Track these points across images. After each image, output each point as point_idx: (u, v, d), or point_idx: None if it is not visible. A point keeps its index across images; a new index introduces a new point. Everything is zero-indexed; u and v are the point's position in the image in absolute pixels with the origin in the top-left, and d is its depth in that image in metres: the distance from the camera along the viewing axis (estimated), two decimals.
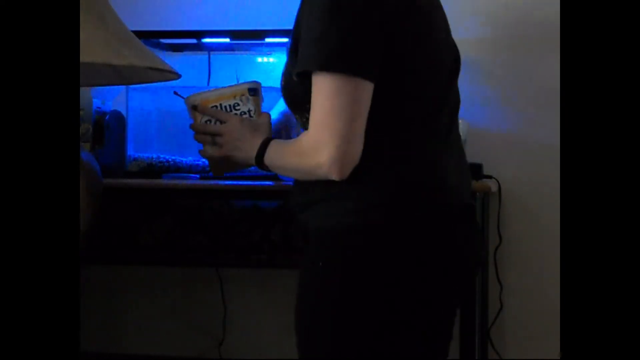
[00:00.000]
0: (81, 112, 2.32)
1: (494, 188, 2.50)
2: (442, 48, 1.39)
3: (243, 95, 1.56)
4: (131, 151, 2.42)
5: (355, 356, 1.30)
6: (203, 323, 2.79)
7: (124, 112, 2.44)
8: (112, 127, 2.40)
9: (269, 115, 1.56)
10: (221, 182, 2.24)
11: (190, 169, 2.38)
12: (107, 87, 2.30)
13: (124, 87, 2.40)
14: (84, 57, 1.56)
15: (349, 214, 1.31)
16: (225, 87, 1.58)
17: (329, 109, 1.23)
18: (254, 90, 1.57)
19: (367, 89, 1.24)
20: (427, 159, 1.33)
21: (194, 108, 1.56)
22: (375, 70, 1.25)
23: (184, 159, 2.41)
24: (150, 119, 2.50)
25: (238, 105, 1.55)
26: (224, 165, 1.56)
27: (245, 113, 1.55)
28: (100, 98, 2.46)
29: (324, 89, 1.24)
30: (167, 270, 2.80)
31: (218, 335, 2.76)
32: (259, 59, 2.53)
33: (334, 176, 1.26)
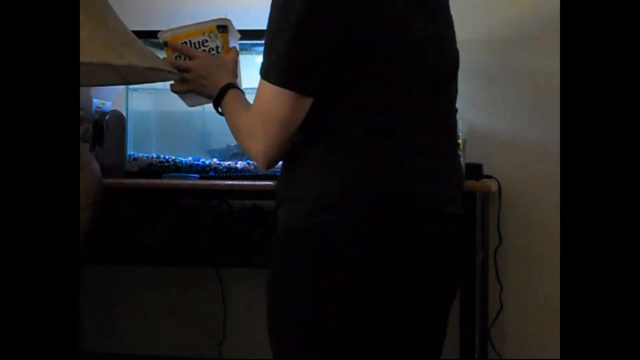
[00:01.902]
0: (81, 112, 2.32)
1: (494, 188, 2.50)
2: (420, 47, 1.35)
3: (212, 32, 1.62)
4: (131, 151, 2.43)
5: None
6: (203, 323, 2.79)
7: (124, 112, 2.44)
8: (112, 127, 2.40)
9: (236, 52, 1.65)
10: (221, 182, 2.24)
11: (190, 169, 2.38)
12: (107, 87, 2.30)
13: (124, 87, 2.40)
14: (84, 57, 1.56)
15: (304, 215, 1.31)
16: (194, 23, 1.64)
17: (266, 111, 1.32)
18: (223, 28, 1.62)
19: (302, 102, 1.30)
20: (387, 163, 1.31)
21: (165, 44, 1.65)
22: (315, 84, 1.29)
23: (184, 159, 2.41)
24: (150, 119, 2.50)
25: (207, 41, 1.62)
26: (193, 99, 1.63)
27: (213, 50, 1.62)
28: (100, 98, 2.46)
29: (265, 93, 1.33)
30: (167, 270, 2.80)
31: (218, 335, 2.76)
32: (259, 59, 2.53)
33: (259, 166, 1.40)
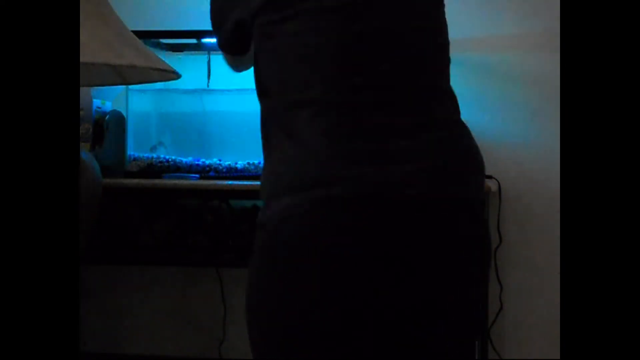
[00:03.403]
0: (81, 112, 2.32)
1: (494, 188, 2.50)
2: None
3: None
4: (131, 151, 2.43)
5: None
6: (203, 323, 2.79)
7: (124, 112, 2.45)
8: (112, 127, 2.40)
9: None
10: (221, 182, 2.24)
11: (190, 169, 2.38)
12: (107, 87, 2.30)
13: (124, 87, 2.40)
14: (84, 57, 1.56)
15: (262, 210, 1.34)
16: None
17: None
18: None
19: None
20: (320, 150, 1.25)
21: None
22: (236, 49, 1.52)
23: (184, 159, 2.41)
24: (150, 119, 2.50)
25: None
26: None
27: None
28: (100, 98, 2.46)
29: None
30: (167, 270, 2.80)
31: (218, 335, 2.76)
32: None
33: None
